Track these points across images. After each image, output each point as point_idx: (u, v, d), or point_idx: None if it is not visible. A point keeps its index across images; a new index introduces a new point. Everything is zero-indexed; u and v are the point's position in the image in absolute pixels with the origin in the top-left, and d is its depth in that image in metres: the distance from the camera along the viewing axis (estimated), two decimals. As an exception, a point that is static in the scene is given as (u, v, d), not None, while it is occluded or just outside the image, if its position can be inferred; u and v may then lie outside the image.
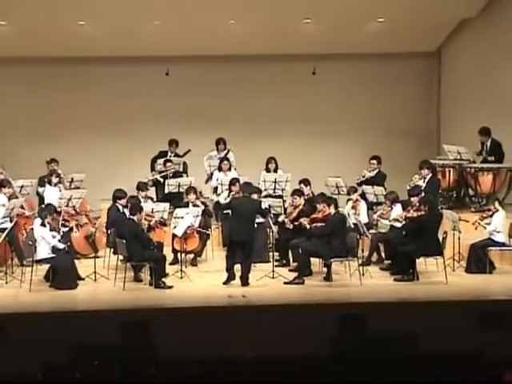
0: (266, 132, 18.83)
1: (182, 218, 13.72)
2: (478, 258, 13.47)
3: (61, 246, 13.01)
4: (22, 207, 14.32)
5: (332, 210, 13.16)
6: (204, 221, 14.33)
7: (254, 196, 13.56)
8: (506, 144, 15.87)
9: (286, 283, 12.99)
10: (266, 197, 14.99)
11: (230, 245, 13.18)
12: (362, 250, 13.68)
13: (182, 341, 10.22)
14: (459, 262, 13.81)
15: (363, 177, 15.57)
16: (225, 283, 12.95)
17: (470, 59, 17.96)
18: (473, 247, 13.55)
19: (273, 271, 13.26)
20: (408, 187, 14.56)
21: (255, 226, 13.45)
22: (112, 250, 13.65)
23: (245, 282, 12.90)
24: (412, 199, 13.65)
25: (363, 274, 13.18)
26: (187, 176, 16.48)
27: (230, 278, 12.97)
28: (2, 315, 11.44)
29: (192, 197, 14.36)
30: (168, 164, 16.36)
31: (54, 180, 15.11)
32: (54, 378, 9.01)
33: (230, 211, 13.53)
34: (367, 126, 19.10)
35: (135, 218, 13.05)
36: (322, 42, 18.11)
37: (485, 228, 13.50)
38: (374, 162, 15.69)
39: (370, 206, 14.82)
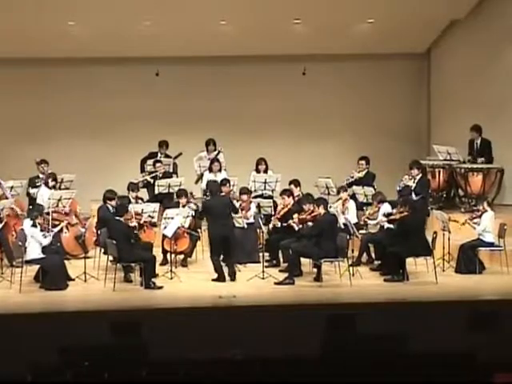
0: (257, 133, 18.81)
1: (172, 218, 13.72)
2: (468, 259, 13.50)
3: (48, 241, 13.01)
4: (12, 208, 14.28)
5: (321, 211, 13.16)
6: (194, 222, 14.34)
7: (224, 188, 13.97)
8: (494, 144, 15.94)
9: (276, 283, 12.99)
10: (256, 197, 15.02)
11: (213, 244, 13.25)
12: (352, 251, 13.70)
13: (173, 341, 10.22)
14: (449, 262, 13.84)
15: (352, 177, 15.59)
16: (215, 280, 13.05)
17: (459, 60, 18.00)
18: (462, 247, 13.58)
19: (263, 272, 13.26)
20: (398, 188, 14.59)
21: (233, 222, 13.57)
22: (102, 250, 13.63)
23: (233, 277, 13.09)
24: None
25: (353, 275, 13.20)
26: (177, 176, 16.47)
27: (221, 278, 13.05)
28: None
29: (183, 200, 14.38)
30: (157, 164, 16.34)
31: (51, 183, 15.05)
32: (44, 379, 8.99)
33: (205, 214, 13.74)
34: (357, 126, 19.12)
35: (122, 218, 13.06)
36: (311, 43, 18.11)
37: (474, 228, 13.54)
38: (363, 162, 15.71)
39: (360, 207, 14.84)
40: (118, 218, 13.11)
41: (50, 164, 15.88)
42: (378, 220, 13.81)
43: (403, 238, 13.11)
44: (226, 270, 13.20)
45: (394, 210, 13.49)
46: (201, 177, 16.32)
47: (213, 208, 13.37)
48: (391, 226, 13.57)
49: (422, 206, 14.32)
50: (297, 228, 13.48)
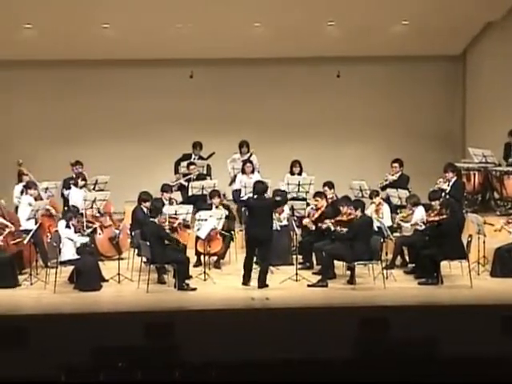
0: (291, 134, 18.78)
1: (206, 220, 13.73)
2: (503, 262, 13.39)
3: (85, 240, 13.12)
4: (47, 209, 14.36)
5: (358, 214, 13.09)
6: (227, 223, 14.34)
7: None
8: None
9: (309, 286, 12.96)
10: (289, 199, 14.98)
11: (247, 245, 13.21)
12: (386, 254, 13.63)
13: (206, 343, 10.23)
14: (484, 265, 13.72)
15: (386, 180, 15.52)
16: (243, 284, 12.95)
17: (495, 62, 17.86)
18: (498, 251, 13.46)
19: (296, 274, 13.24)
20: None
21: (273, 225, 13.40)
22: (136, 251, 13.68)
23: (262, 283, 12.86)
24: (433, 203, 13.55)
25: (387, 278, 13.13)
26: (211, 178, 16.49)
27: (246, 279, 12.95)
28: (27, 316, 11.51)
29: (216, 200, 14.39)
30: (191, 167, 16.38)
31: (81, 183, 15.16)
32: (78, 379, 9.04)
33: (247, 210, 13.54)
34: (392, 128, 19.03)
35: (156, 220, 13.09)
36: (346, 45, 18.03)
37: (510, 232, 13.41)
38: (396, 165, 15.62)
39: (395, 209, 14.76)
40: (151, 219, 13.15)
41: (85, 165, 15.98)
42: (413, 222, 13.68)
43: (437, 241, 13.03)
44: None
45: (435, 212, 13.36)
46: (234, 179, 16.33)
47: (254, 207, 13.13)
48: (420, 227, 13.49)
49: (458, 209, 14.22)
50: (333, 228, 13.37)
